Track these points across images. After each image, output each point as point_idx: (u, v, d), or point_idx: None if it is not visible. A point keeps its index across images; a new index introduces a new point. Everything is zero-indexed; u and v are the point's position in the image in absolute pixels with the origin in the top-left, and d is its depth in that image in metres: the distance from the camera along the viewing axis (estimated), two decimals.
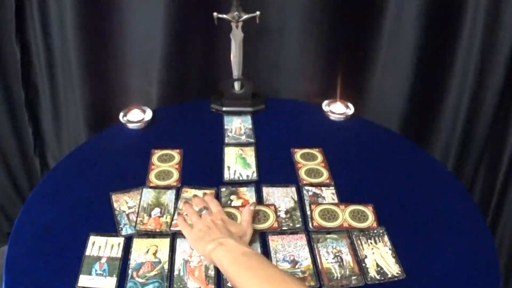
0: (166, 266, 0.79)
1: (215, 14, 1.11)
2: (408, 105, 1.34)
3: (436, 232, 0.88)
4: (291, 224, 0.88)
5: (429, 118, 1.38)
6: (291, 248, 0.83)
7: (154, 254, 0.81)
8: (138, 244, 0.83)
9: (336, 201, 0.94)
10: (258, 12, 1.11)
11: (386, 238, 0.85)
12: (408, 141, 1.16)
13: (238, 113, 1.20)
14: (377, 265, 0.80)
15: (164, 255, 0.81)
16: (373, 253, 0.82)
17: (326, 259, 0.81)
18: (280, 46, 1.31)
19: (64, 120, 1.52)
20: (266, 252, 0.82)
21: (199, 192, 0.94)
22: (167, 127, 1.17)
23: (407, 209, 0.93)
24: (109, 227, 0.86)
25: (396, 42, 1.26)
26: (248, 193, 0.95)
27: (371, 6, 1.24)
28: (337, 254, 0.82)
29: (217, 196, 0.93)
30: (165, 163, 1.02)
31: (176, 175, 0.99)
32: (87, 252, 0.81)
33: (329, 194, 0.95)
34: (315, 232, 0.86)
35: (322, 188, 0.96)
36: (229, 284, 0.75)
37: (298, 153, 1.06)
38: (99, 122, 1.41)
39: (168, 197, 0.93)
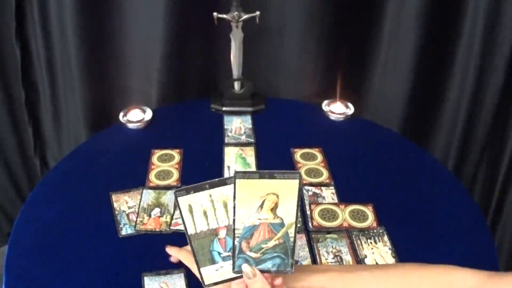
0: None
1: (215, 14, 1.11)
2: (408, 105, 1.34)
3: (436, 232, 0.88)
4: None
5: (429, 118, 1.38)
6: None
7: None
8: None
9: (336, 201, 0.94)
10: (258, 12, 1.11)
11: (386, 238, 0.85)
12: (408, 141, 1.16)
13: (238, 113, 1.20)
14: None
15: None
16: (372, 253, 0.82)
17: (326, 259, 0.81)
18: (280, 46, 1.31)
19: (64, 120, 1.52)
20: None
21: None
22: (167, 127, 1.17)
23: (407, 209, 0.93)
24: (109, 227, 0.86)
25: (396, 42, 1.26)
26: None
27: (371, 6, 1.24)
28: (337, 253, 0.82)
29: None
30: (165, 163, 1.02)
31: (176, 175, 0.99)
32: None
33: (329, 194, 0.95)
34: (315, 232, 0.86)
35: (322, 188, 0.96)
36: None
37: (298, 153, 1.06)
38: (99, 122, 1.41)
39: (168, 197, 0.93)
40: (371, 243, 0.84)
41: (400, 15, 1.22)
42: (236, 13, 1.11)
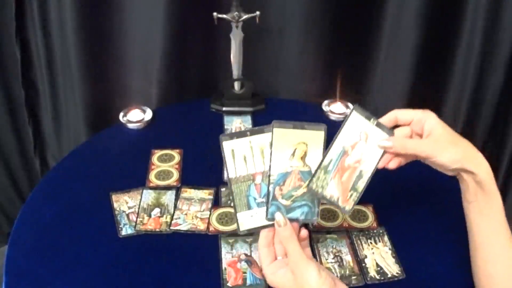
0: None
1: (215, 14, 1.11)
2: (408, 105, 1.33)
3: (436, 233, 0.88)
4: None
5: None
6: None
7: None
8: None
9: None
10: (258, 12, 1.11)
11: (386, 238, 0.85)
12: None
13: (238, 113, 1.20)
14: (377, 265, 0.80)
15: None
16: (373, 253, 0.83)
17: (326, 259, 0.81)
18: (280, 46, 1.31)
19: (64, 120, 1.52)
20: None
21: (199, 192, 0.94)
22: (167, 127, 1.17)
23: (407, 209, 0.93)
24: (109, 227, 0.86)
25: (396, 42, 1.26)
26: None
27: (371, 6, 1.24)
28: (337, 254, 0.82)
29: (217, 196, 0.93)
30: (165, 163, 1.02)
31: (176, 175, 0.99)
32: None
33: None
34: (315, 232, 0.86)
35: None
36: (229, 284, 0.75)
37: None
38: (99, 122, 1.41)
39: (168, 198, 0.93)
40: (371, 243, 0.84)
41: (400, 15, 1.22)
42: (236, 13, 1.11)
